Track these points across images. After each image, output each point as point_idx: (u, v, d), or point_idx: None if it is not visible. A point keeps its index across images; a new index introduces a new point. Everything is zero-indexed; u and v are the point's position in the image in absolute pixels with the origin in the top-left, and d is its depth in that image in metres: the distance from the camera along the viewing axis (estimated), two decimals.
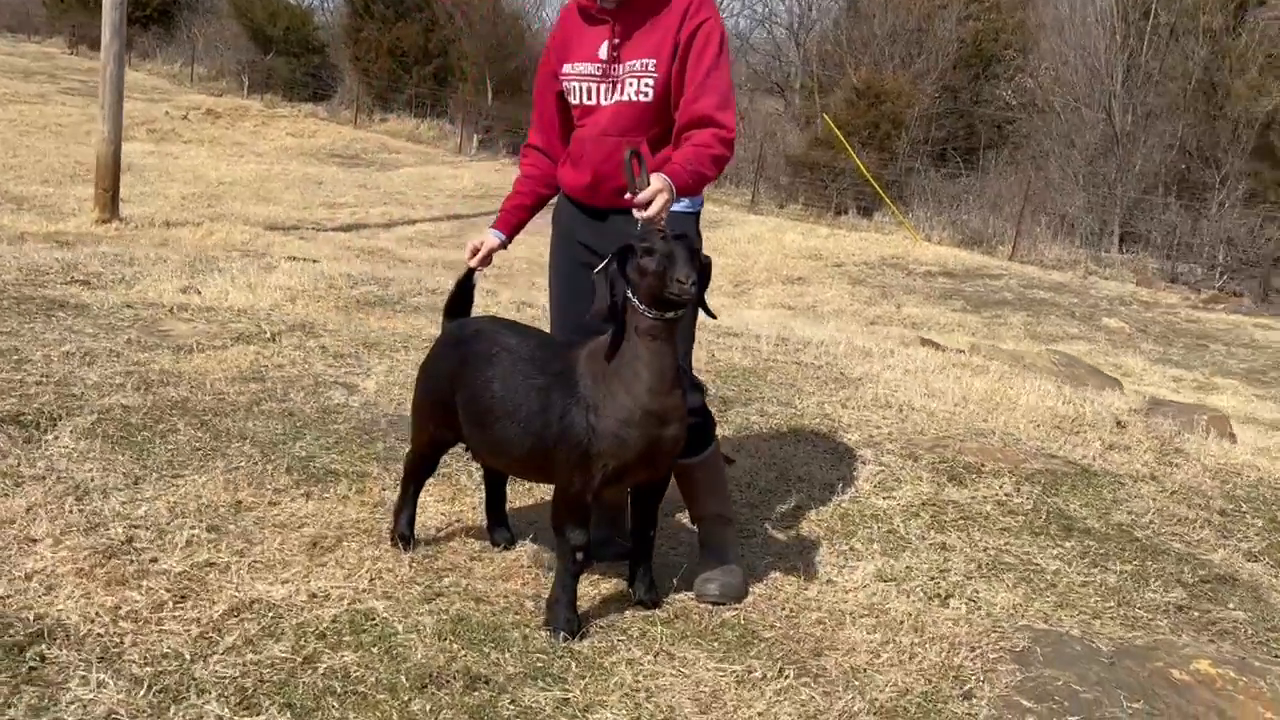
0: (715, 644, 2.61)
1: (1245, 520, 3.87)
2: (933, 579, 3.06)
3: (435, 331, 5.74)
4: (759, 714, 2.30)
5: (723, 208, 20.51)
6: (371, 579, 2.73)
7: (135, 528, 2.88)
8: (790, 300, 13.94)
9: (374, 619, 2.53)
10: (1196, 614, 2.99)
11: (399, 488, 3.07)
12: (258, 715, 2.13)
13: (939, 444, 4.27)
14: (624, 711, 2.26)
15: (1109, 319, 14.23)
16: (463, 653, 2.41)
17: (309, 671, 2.29)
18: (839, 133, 19.75)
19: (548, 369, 2.65)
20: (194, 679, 2.22)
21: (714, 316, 2.69)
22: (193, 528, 2.91)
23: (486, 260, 3.03)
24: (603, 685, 2.35)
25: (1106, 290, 16.20)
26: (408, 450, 3.09)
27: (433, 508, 3.32)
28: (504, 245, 3.06)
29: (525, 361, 2.70)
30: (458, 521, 3.28)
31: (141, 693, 2.14)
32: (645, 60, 2.82)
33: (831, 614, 2.81)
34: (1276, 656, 2.78)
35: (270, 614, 2.51)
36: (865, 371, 5.56)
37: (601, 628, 2.64)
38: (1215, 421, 5.20)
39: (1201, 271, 16.95)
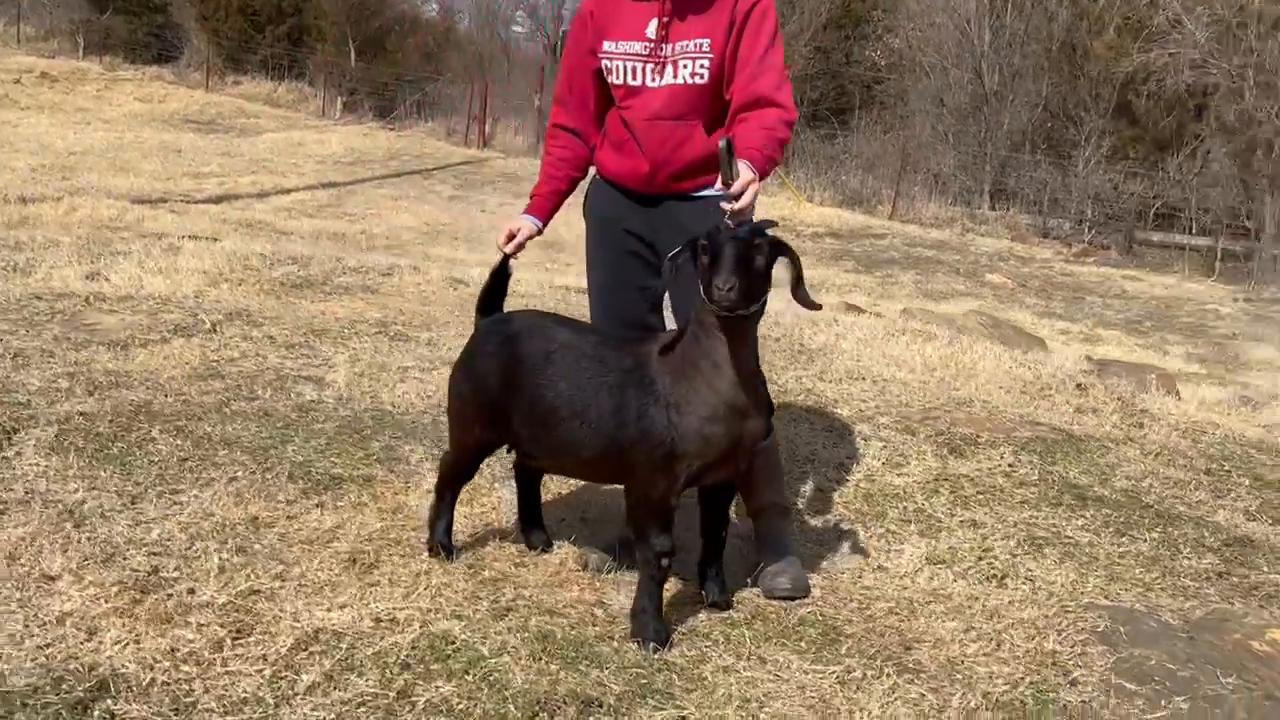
0: (801, 644, 2.55)
1: (1231, 479, 4.03)
2: (980, 559, 3.07)
3: (377, 315, 5.58)
4: (876, 718, 2.25)
5: None
6: (432, 597, 2.57)
7: (155, 554, 2.64)
8: None
9: (453, 642, 2.37)
10: (1236, 580, 3.09)
11: (435, 495, 2.89)
12: None
13: (929, 416, 4.31)
14: None
15: (991, 275, 14.75)
16: (562, 674, 2.28)
17: (407, 708, 2.13)
18: None
19: (617, 366, 2.52)
20: None
21: (816, 307, 2.57)
22: (218, 551, 2.68)
23: (520, 247, 2.87)
24: (712, 699, 2.26)
25: (985, 247, 16.78)
26: (444, 455, 2.91)
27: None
28: (540, 232, 2.90)
29: (590, 358, 2.57)
30: (484, 524, 3.13)
31: None
32: (699, 40, 2.69)
33: (900, 603, 2.78)
34: None
35: (341, 644, 2.32)
36: (824, 342, 5.57)
37: (684, 634, 2.55)
38: (1163, 380, 5.42)
39: (1070, 226, 17.72)
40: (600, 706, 2.18)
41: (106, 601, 2.37)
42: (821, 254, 15.12)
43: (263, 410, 3.76)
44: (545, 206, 2.91)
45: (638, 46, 2.75)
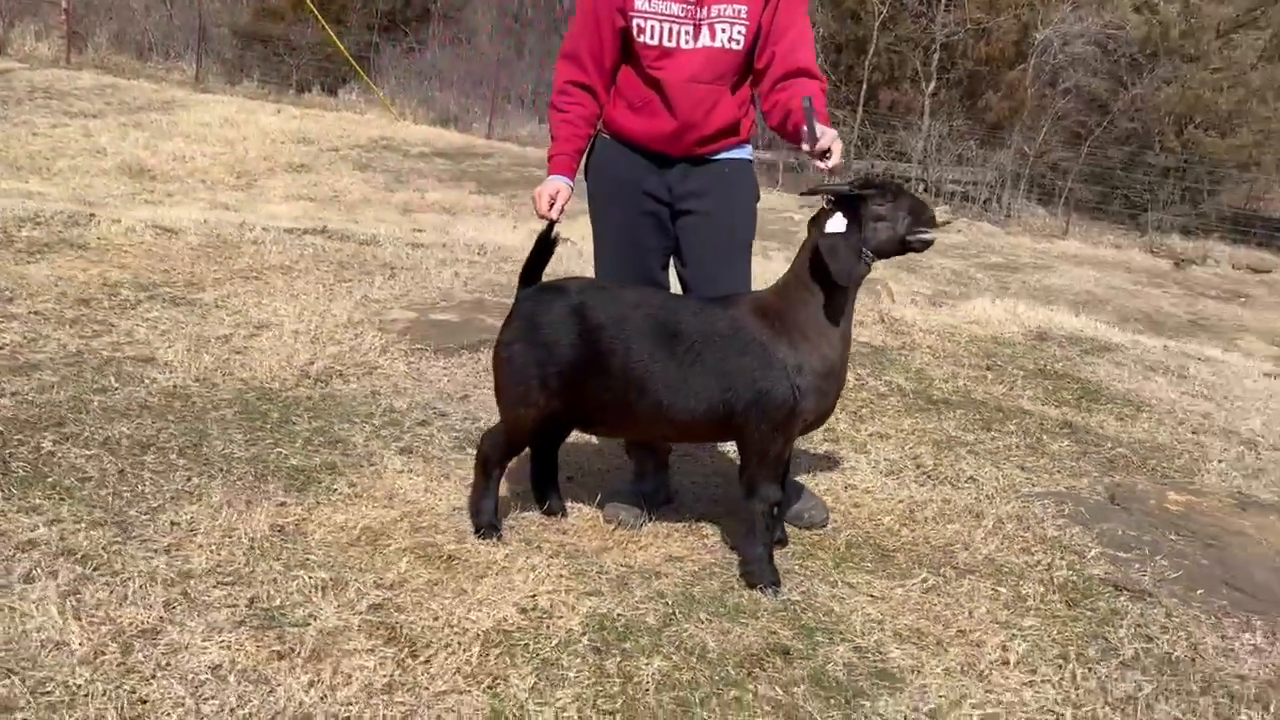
0: (867, 564, 2.83)
1: (1007, 372, 4.85)
2: (918, 467, 3.53)
3: (121, 275, 4.92)
4: (977, 617, 2.61)
5: (161, 85, 18.43)
6: (541, 579, 2.53)
7: (228, 584, 2.35)
8: (308, 192, 13.18)
9: (618, 619, 2.39)
10: (1097, 456, 3.82)
11: (479, 476, 2.80)
12: None
13: None
14: (911, 646, 2.44)
15: None
16: (736, 630, 2.40)
17: (642, 690, 2.16)
18: (311, 3, 18.64)
19: (713, 330, 2.60)
20: None
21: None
22: (285, 568, 2.44)
23: (562, 210, 2.81)
24: (856, 628, 2.50)
25: None
26: (489, 434, 2.80)
27: (437, 490, 3.04)
28: (572, 191, 2.85)
29: (677, 324, 2.62)
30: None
31: None
32: (737, 6, 2.76)
33: (898, 515, 3.15)
34: (1167, 478, 3.69)
35: (521, 641, 2.27)
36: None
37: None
38: (885, 289, 6.25)
39: None
40: (789, 653, 2.34)
41: (250, 647, 2.11)
42: (440, 175, 14.97)
43: (135, 404, 3.33)
44: (573, 166, 2.86)
45: (675, 8, 2.76)
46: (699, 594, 2.57)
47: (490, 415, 3.63)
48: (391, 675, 2.11)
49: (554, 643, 2.28)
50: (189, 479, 2.87)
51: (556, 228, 2.80)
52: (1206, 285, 14.20)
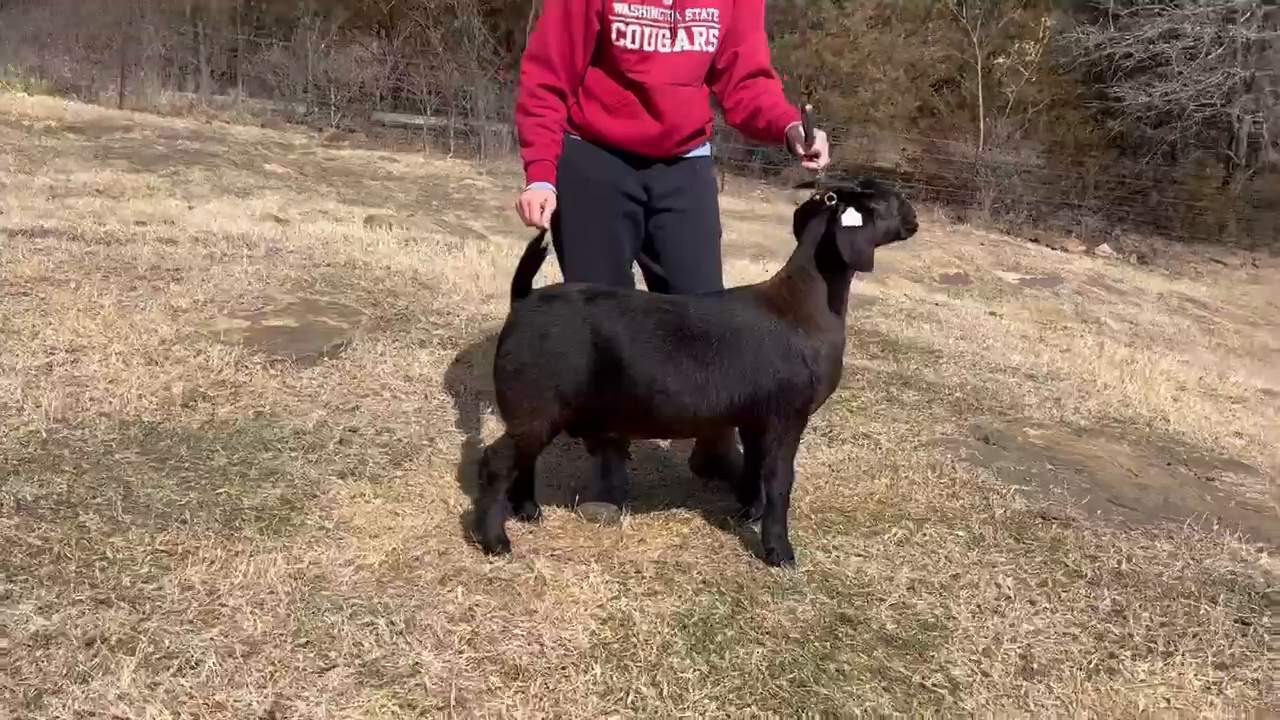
0: (864, 528, 3.06)
1: None
2: (816, 430, 3.81)
3: None
4: (984, 562, 2.93)
5: None
6: (609, 587, 2.54)
7: (302, 646, 2.16)
8: None
9: (694, 616, 2.46)
10: (937, 401, 4.28)
11: (487, 491, 2.72)
12: None
13: None
14: (929, 596, 2.70)
15: (270, 165, 14.60)
16: (800, 609, 2.54)
17: (761, 679, 2.25)
18: None
19: (729, 326, 2.68)
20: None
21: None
22: (354, 619, 2.28)
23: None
24: (894, 585, 2.73)
25: (243, 135, 16.35)
26: (495, 448, 2.73)
27: (405, 511, 2.94)
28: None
29: (693, 324, 2.68)
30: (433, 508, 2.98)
31: None
32: (710, 9, 2.83)
33: (833, 478, 3.41)
34: (1007, 415, 4.22)
35: (624, 652, 2.28)
36: (411, 264, 5.59)
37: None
38: None
39: (314, 111, 18.02)
40: (852, 620, 2.53)
41: (395, 713, 1.98)
42: (80, 153, 13.40)
43: (14, 459, 2.91)
44: (554, 172, 2.81)
45: (655, 12, 2.77)
46: (737, 578, 2.68)
47: (391, 423, 3.50)
48: (535, 709, 2.07)
49: (654, 648, 2.32)
50: (155, 536, 2.56)
51: (547, 236, 2.76)
52: None
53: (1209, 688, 2.36)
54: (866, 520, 3.11)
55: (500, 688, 2.11)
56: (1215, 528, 3.18)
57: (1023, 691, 2.31)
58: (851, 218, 2.67)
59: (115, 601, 2.25)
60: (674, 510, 3.09)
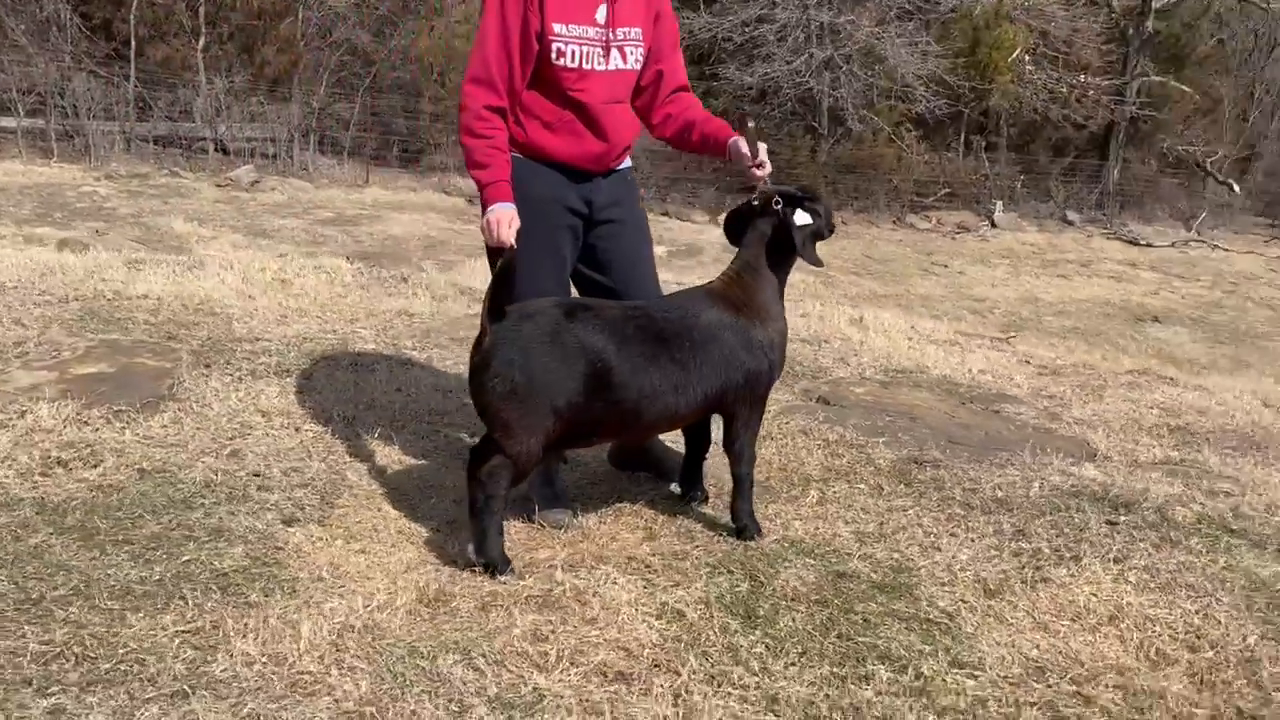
0: (775, 494, 3.35)
1: None
2: None
3: None
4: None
5: None
6: (641, 588, 2.65)
7: (428, 695, 2.13)
8: None
9: (731, 598, 2.64)
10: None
11: (485, 515, 2.73)
12: None
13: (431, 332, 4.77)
14: (895, 552, 3.05)
15: None
16: (816, 568, 2.80)
17: (830, 637, 2.50)
18: None
19: (695, 324, 2.85)
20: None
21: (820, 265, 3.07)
22: (434, 667, 2.26)
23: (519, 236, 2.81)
24: (861, 542, 3.05)
25: None
26: (489, 471, 2.72)
27: (376, 550, 2.88)
28: None
29: (663, 327, 2.82)
30: (404, 530, 2.96)
31: None
32: (636, 28, 2.95)
33: (720, 454, 3.69)
34: (821, 376, 4.68)
35: (705, 646, 2.43)
36: (169, 289, 5.15)
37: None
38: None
39: None
40: (859, 576, 2.82)
41: None
42: None
43: None
44: (512, 192, 2.81)
45: (591, 31, 2.84)
46: (732, 556, 2.89)
47: (287, 463, 3.35)
48: (667, 707, 2.18)
49: (717, 632, 2.49)
50: (161, 617, 2.35)
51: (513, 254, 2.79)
52: None
53: (1116, 579, 2.91)
54: (781, 488, 3.43)
55: (624, 693, 2.20)
56: (1038, 451, 3.82)
57: (996, 610, 2.73)
58: (803, 218, 2.95)
59: (190, 691, 2.07)
60: (619, 506, 3.23)
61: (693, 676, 2.30)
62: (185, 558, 2.64)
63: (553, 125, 2.95)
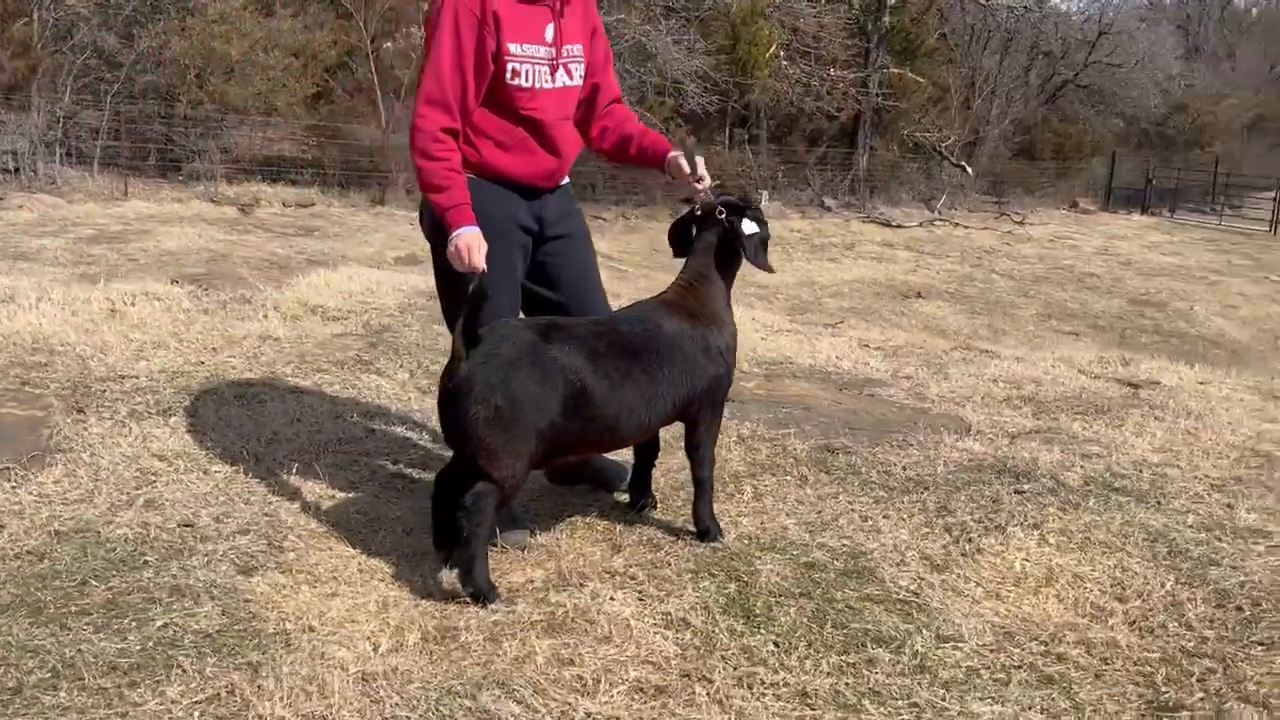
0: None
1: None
2: None
3: None
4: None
5: None
6: (641, 603, 2.68)
7: None
8: None
9: (725, 599, 2.70)
10: None
11: (471, 544, 2.67)
12: None
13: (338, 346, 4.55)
14: (844, 540, 3.20)
15: None
16: (798, 559, 2.90)
17: (825, 624, 2.61)
18: None
19: (659, 336, 2.89)
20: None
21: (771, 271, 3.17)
22: (484, 696, 2.22)
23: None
24: (810, 532, 3.18)
25: None
26: (475, 498, 2.66)
27: (347, 592, 2.78)
28: None
29: (630, 341, 2.85)
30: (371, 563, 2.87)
31: None
32: (578, 45, 2.95)
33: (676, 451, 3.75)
34: None
35: (721, 650, 2.49)
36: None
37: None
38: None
39: None
40: (815, 566, 2.95)
41: None
42: None
43: None
44: (471, 214, 2.74)
45: (542, 51, 2.81)
46: (707, 560, 2.96)
47: (212, 509, 3.16)
48: (719, 713, 2.23)
49: (726, 636, 2.56)
50: (168, 689, 2.18)
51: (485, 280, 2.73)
52: (285, 225, 15.37)
53: (1040, 544, 3.19)
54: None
55: (672, 705, 2.24)
56: (927, 430, 4.10)
57: (950, 583, 2.94)
58: (750, 227, 3.04)
59: None
60: (570, 521, 3.23)
61: (725, 681, 2.36)
62: (158, 622, 2.45)
63: (506, 144, 2.91)
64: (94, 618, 2.45)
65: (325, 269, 7.41)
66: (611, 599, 2.68)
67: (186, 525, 3.00)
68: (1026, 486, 3.57)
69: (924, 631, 2.66)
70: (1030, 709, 2.37)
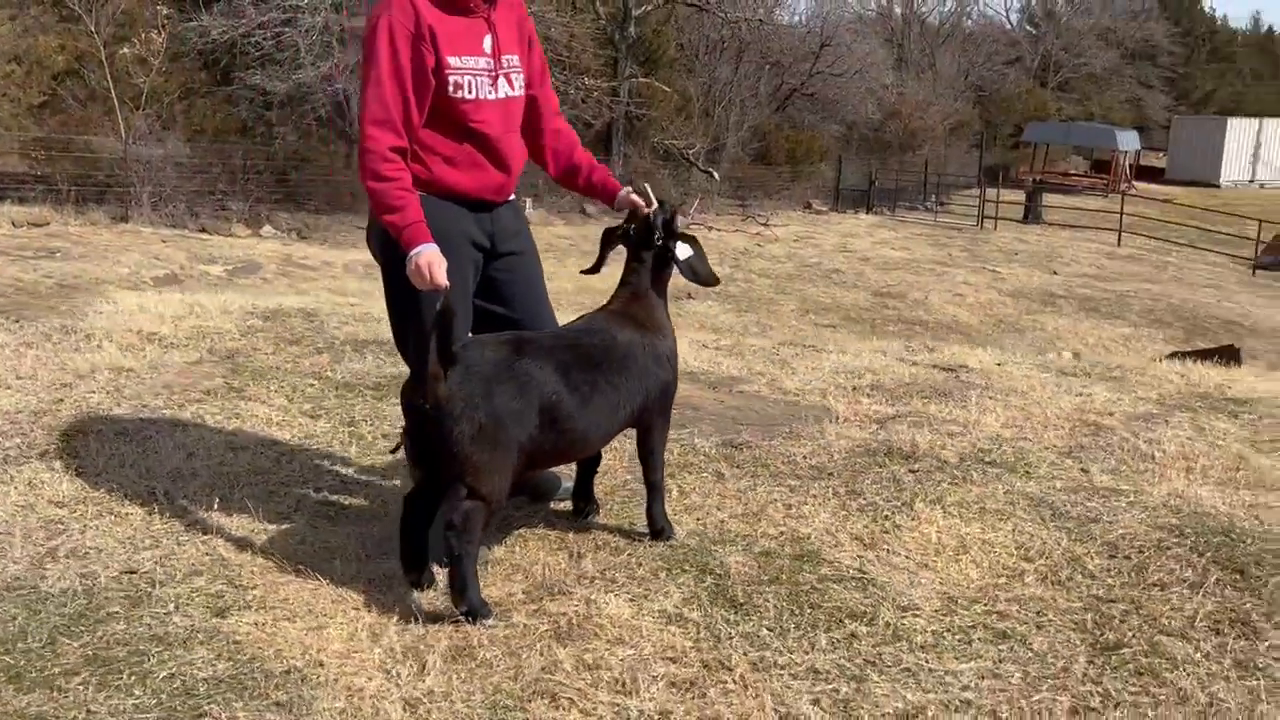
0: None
1: (321, 343, 5.23)
2: None
3: None
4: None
5: None
6: (635, 605, 2.75)
7: None
8: None
9: (709, 589, 2.83)
10: None
11: (464, 562, 2.68)
12: None
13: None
14: (780, 531, 3.38)
15: None
16: (767, 551, 3.05)
17: (808, 603, 2.79)
18: None
19: (615, 346, 2.97)
20: None
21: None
22: (538, 703, 2.25)
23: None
24: (753, 523, 3.34)
25: None
26: (461, 517, 2.66)
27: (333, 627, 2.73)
28: None
29: (591, 353, 2.91)
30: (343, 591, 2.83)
31: None
32: (515, 55, 2.96)
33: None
34: None
35: (733, 628, 2.62)
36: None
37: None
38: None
39: None
40: (769, 554, 3.13)
41: None
42: None
43: None
44: (428, 233, 2.72)
45: (483, 62, 2.82)
46: (674, 558, 3.07)
47: (149, 552, 3.00)
48: (756, 698, 2.37)
49: (728, 628, 2.69)
50: None
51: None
52: (21, 247, 14.00)
53: (946, 516, 3.51)
54: (640, 489, 3.63)
55: (711, 696, 2.35)
56: (808, 421, 4.38)
57: (884, 559, 3.21)
58: (684, 250, 3.18)
59: None
60: (519, 533, 3.26)
61: (743, 667, 2.49)
62: (159, 674, 2.31)
63: (454, 159, 2.90)
64: (84, 676, 2.28)
65: (95, 296, 6.95)
66: (607, 604, 2.75)
67: (129, 572, 2.82)
68: (917, 466, 3.91)
69: (884, 604, 2.89)
70: (1002, 661, 2.65)
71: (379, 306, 6.78)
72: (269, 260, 15.13)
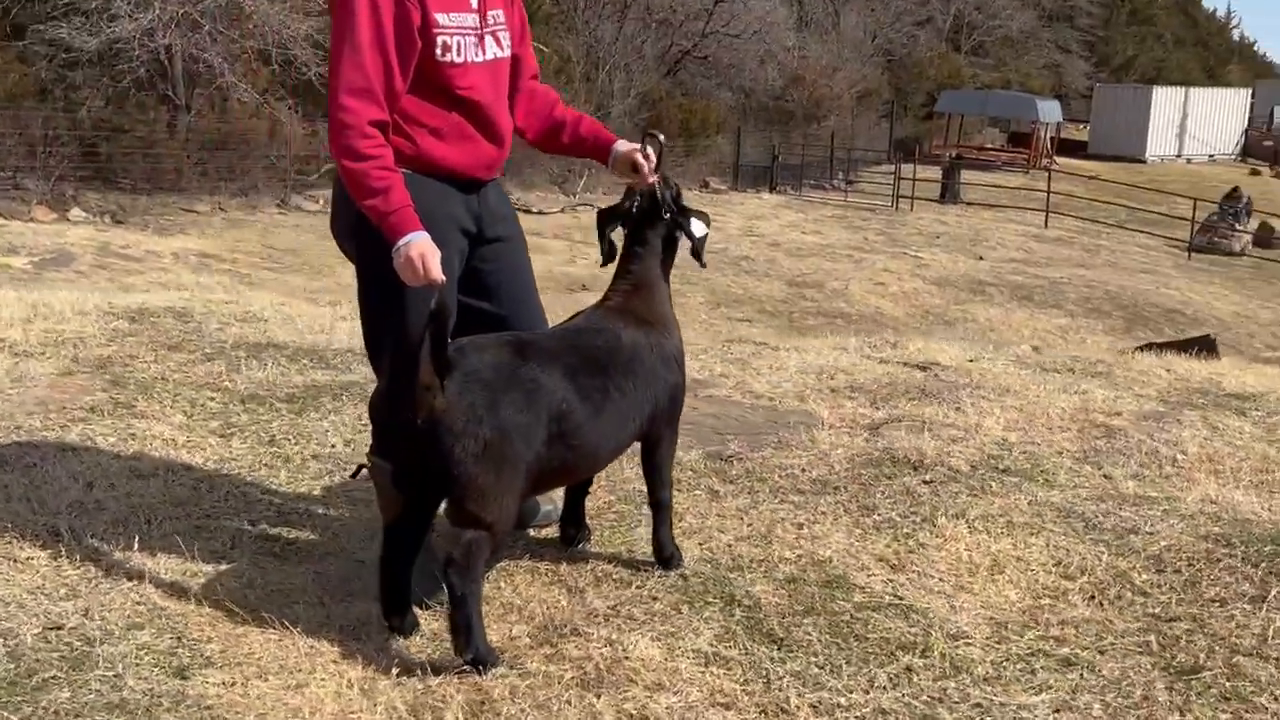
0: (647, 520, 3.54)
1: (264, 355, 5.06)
2: None
3: None
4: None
5: None
6: (654, 634, 2.75)
7: None
8: None
9: (741, 616, 2.85)
10: None
11: (469, 603, 2.63)
12: None
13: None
14: (787, 545, 3.42)
15: None
16: (783, 574, 3.08)
17: (831, 630, 2.83)
18: None
19: (621, 348, 2.95)
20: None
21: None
22: None
23: None
24: (769, 542, 3.37)
25: None
26: (465, 549, 2.61)
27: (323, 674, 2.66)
28: None
29: (597, 356, 2.89)
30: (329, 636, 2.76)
31: None
32: (500, 10, 2.92)
33: None
34: None
35: (778, 669, 2.65)
36: None
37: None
38: None
39: None
40: (794, 581, 3.17)
41: None
42: None
43: None
44: (416, 219, 2.66)
45: (470, 20, 2.78)
46: (696, 587, 3.08)
47: (131, 595, 2.88)
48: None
49: (769, 659, 2.72)
50: None
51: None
52: None
53: (972, 532, 3.60)
54: (628, 511, 3.65)
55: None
56: (796, 429, 4.44)
57: (918, 581, 3.28)
58: (699, 227, 3.17)
59: None
60: (503, 568, 3.22)
61: (805, 711, 2.52)
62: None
63: (442, 131, 2.84)
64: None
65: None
66: (633, 645, 2.74)
67: (55, 628, 2.67)
68: (929, 476, 4.01)
69: (932, 633, 2.96)
70: (1076, 692, 2.74)
71: (259, 303, 6.64)
72: (83, 249, 14.57)
